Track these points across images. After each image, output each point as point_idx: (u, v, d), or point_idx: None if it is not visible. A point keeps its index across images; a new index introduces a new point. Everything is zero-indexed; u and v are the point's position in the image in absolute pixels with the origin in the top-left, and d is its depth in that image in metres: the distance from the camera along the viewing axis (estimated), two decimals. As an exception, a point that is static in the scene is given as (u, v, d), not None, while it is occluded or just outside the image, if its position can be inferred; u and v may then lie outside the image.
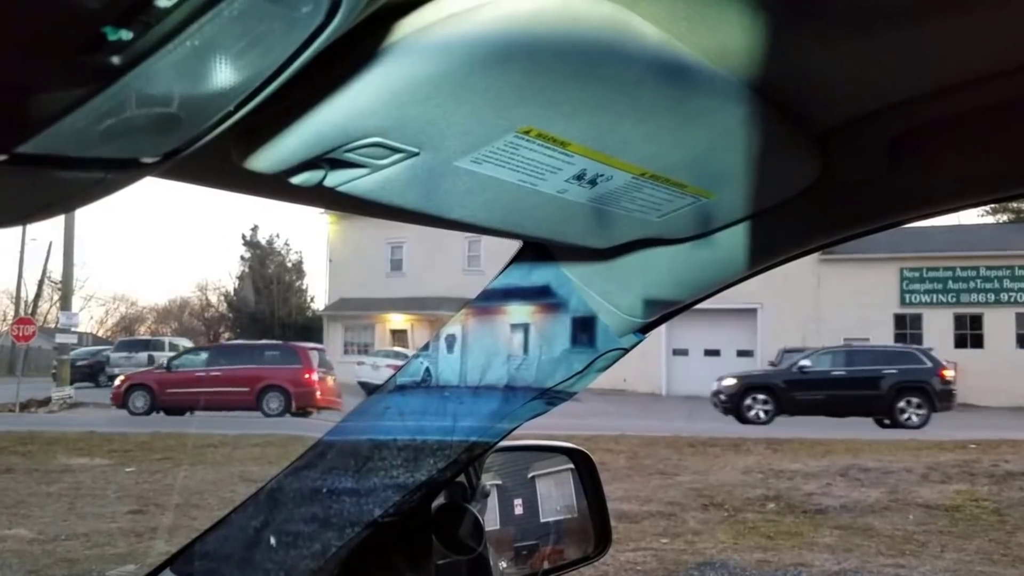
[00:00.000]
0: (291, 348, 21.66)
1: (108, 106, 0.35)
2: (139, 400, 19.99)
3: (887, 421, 18.50)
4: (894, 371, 19.10)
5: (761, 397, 19.34)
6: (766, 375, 20.30)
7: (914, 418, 18.55)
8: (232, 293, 50.28)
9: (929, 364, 19.33)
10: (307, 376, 19.80)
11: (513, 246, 1.02)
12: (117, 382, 21.08)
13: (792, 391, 19.19)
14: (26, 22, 0.31)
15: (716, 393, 19.93)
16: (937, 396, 18.82)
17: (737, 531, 7.79)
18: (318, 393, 19.80)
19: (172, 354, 24.23)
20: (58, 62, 0.33)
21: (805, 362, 19.96)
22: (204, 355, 21.85)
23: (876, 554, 7.01)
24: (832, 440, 13.66)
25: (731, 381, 19.78)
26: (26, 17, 0.30)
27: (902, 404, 18.74)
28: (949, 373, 19.42)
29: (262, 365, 20.24)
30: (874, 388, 18.93)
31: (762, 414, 19.10)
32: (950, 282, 28.58)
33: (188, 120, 0.38)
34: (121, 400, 20.08)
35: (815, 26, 0.61)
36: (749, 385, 19.63)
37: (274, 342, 24.33)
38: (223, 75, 0.36)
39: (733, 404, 19.41)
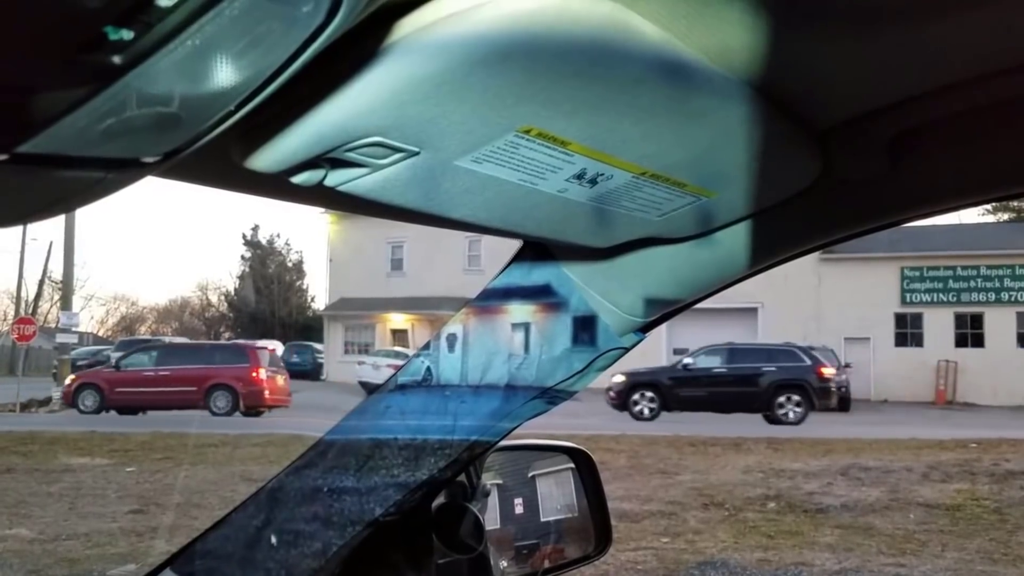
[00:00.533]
0: (239, 347, 22.02)
1: (109, 106, 0.35)
2: (88, 399, 20.15)
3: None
4: (773, 368, 19.68)
5: (647, 394, 19.93)
6: (652, 372, 20.68)
7: (791, 415, 18.99)
8: (232, 293, 50.38)
9: (808, 362, 19.80)
10: (254, 375, 20.04)
11: (513, 245, 1.02)
12: (67, 381, 21.25)
13: (676, 388, 19.81)
14: (27, 21, 0.31)
15: (608, 390, 20.33)
16: (815, 393, 19.27)
17: (738, 530, 7.79)
18: (266, 392, 20.09)
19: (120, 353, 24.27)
20: (59, 62, 0.33)
21: (688, 360, 20.59)
22: (153, 355, 22.04)
23: (877, 553, 7.01)
24: (833, 439, 13.67)
25: (620, 378, 20.16)
26: (27, 16, 0.30)
27: (781, 400, 19.25)
28: (828, 371, 19.87)
29: (210, 364, 20.50)
30: (753, 385, 19.51)
31: (647, 410, 19.72)
32: (951, 281, 28.57)
33: (189, 120, 0.38)
34: (71, 399, 20.28)
35: (815, 25, 0.61)
36: (636, 382, 20.10)
37: (222, 342, 24.37)
38: (224, 75, 0.36)
39: (621, 400, 19.94)
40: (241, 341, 24.59)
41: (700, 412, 19.02)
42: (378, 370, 25.17)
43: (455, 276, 31.22)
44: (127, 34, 0.32)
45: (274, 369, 20.90)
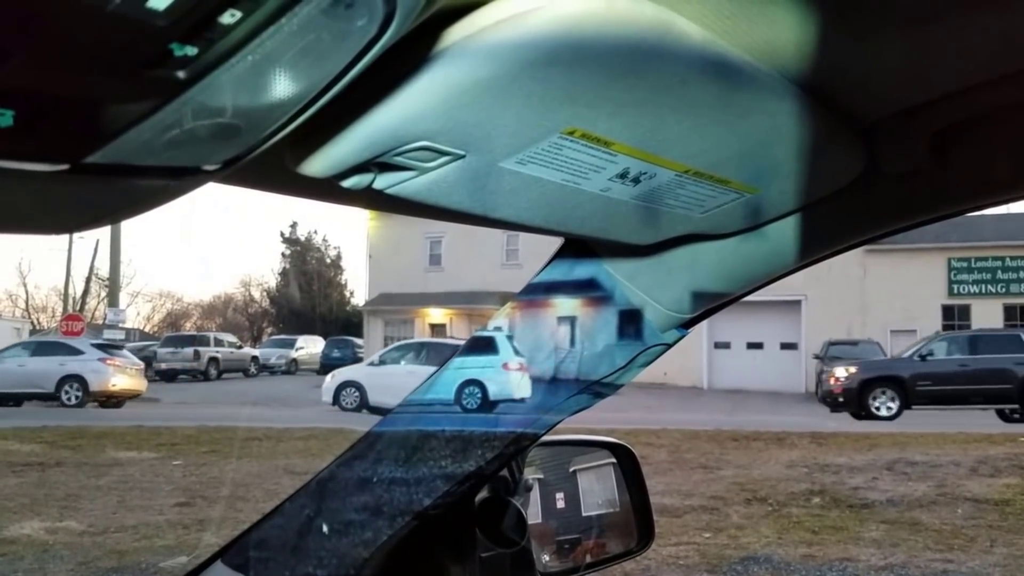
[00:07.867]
0: None
1: (173, 118, 0.36)
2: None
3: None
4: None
5: None
6: None
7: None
8: (274, 289, 51.00)
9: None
10: None
11: (553, 241, 1.03)
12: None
13: None
14: (98, 39, 0.32)
15: None
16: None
17: (781, 526, 7.71)
18: None
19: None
20: (127, 77, 0.34)
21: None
22: None
23: (924, 549, 6.91)
24: (878, 433, 13.48)
25: None
26: (98, 34, 0.32)
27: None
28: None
29: None
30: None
31: None
32: (999, 272, 27.93)
33: (247, 129, 0.39)
34: None
35: (860, 19, 0.61)
36: None
37: None
38: (281, 87, 0.38)
39: None
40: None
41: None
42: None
43: (493, 271, 31.30)
44: (191, 50, 0.34)
45: None
